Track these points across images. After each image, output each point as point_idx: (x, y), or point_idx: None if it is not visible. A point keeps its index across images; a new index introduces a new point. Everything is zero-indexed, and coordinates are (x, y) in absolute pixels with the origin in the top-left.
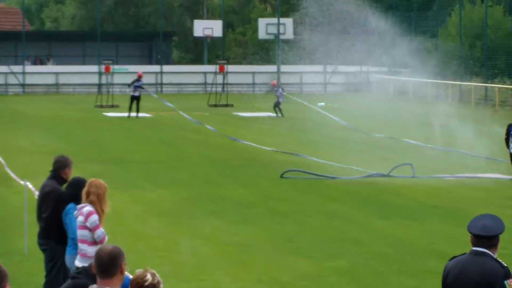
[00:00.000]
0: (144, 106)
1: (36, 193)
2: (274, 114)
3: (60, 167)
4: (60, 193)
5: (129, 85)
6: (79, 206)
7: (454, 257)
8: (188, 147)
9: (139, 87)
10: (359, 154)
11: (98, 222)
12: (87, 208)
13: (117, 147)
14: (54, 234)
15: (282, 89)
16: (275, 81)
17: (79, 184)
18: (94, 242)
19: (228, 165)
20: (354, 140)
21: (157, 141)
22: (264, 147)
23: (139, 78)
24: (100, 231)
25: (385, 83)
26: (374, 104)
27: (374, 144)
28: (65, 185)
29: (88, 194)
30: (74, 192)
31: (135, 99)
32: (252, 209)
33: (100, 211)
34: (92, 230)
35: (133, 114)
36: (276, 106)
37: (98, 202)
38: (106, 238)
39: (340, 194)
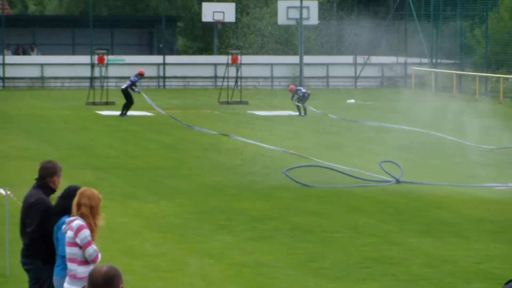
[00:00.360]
0: (144, 104)
1: (20, 203)
2: (296, 113)
3: (47, 174)
4: (47, 205)
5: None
6: (68, 219)
7: (511, 280)
8: (195, 151)
9: (131, 81)
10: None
11: (89, 238)
12: (77, 221)
13: (112, 151)
14: (40, 252)
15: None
16: (293, 86)
17: (75, 194)
18: (85, 261)
19: (241, 172)
20: (388, 143)
21: (158, 145)
22: (283, 151)
23: (137, 75)
24: (92, 248)
25: (425, 77)
26: (414, 101)
27: (415, 147)
28: (53, 196)
29: (79, 206)
30: (70, 203)
31: (122, 92)
32: (269, 224)
33: (93, 226)
34: (82, 247)
35: (130, 112)
36: (302, 103)
37: (90, 215)
38: (100, 256)
39: (370, 206)
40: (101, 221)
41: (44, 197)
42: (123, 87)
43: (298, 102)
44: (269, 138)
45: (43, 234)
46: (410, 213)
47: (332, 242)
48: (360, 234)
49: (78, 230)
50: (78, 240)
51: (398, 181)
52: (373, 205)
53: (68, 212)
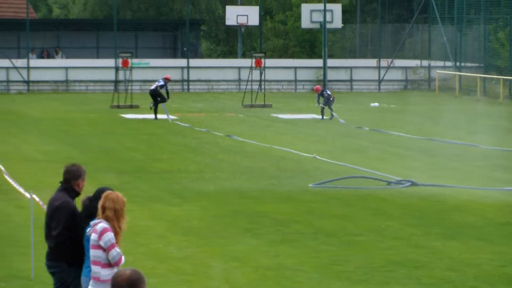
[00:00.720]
0: (168, 107)
1: (44, 207)
2: (320, 116)
3: (71, 177)
4: (73, 208)
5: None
6: (93, 222)
7: None
8: (219, 154)
9: (160, 83)
10: (417, 163)
11: (113, 241)
12: (101, 224)
13: (136, 154)
14: (66, 255)
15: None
16: (318, 86)
17: None
18: (109, 264)
19: (265, 175)
20: (413, 148)
21: (183, 148)
22: (307, 155)
23: (164, 79)
24: (116, 251)
25: (449, 80)
26: (438, 104)
27: (437, 151)
28: (77, 199)
29: (103, 209)
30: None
31: (152, 94)
32: (293, 227)
33: (117, 229)
34: (106, 250)
35: (160, 116)
36: (329, 106)
37: (115, 218)
38: (123, 259)
39: (394, 209)
40: (125, 224)
41: (69, 200)
42: (152, 87)
43: (323, 104)
44: (293, 141)
45: (69, 237)
46: (433, 216)
47: (355, 245)
48: (384, 237)
49: (102, 232)
50: (101, 243)
51: (414, 183)
52: (397, 208)
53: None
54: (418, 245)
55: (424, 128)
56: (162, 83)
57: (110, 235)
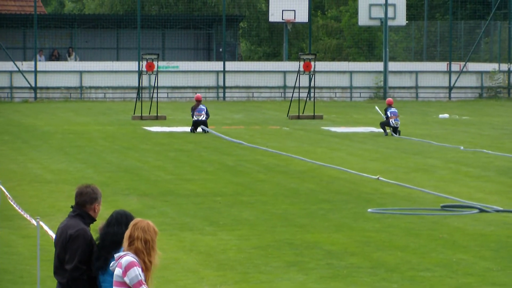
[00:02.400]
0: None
1: (53, 236)
2: (379, 130)
3: (86, 201)
4: (90, 237)
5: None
6: (117, 255)
7: None
8: (261, 174)
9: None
10: (496, 186)
11: (140, 277)
12: (127, 258)
13: (163, 174)
14: None
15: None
16: (391, 99)
17: (124, 220)
18: None
19: (314, 199)
20: (490, 167)
21: (218, 167)
22: (365, 175)
23: (198, 103)
24: None
25: None
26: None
27: None
28: (91, 226)
29: (131, 239)
30: (118, 232)
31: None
32: (347, 260)
33: (148, 264)
34: None
35: (183, 128)
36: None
37: (145, 251)
38: None
39: (466, 239)
40: (157, 259)
41: (86, 228)
42: (202, 118)
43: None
44: (347, 159)
45: (84, 272)
46: None
47: (421, 282)
48: (454, 272)
49: (128, 267)
50: (127, 280)
51: (481, 210)
52: (470, 238)
53: (118, 244)
54: (495, 283)
55: (504, 144)
56: (206, 109)
57: (137, 271)
